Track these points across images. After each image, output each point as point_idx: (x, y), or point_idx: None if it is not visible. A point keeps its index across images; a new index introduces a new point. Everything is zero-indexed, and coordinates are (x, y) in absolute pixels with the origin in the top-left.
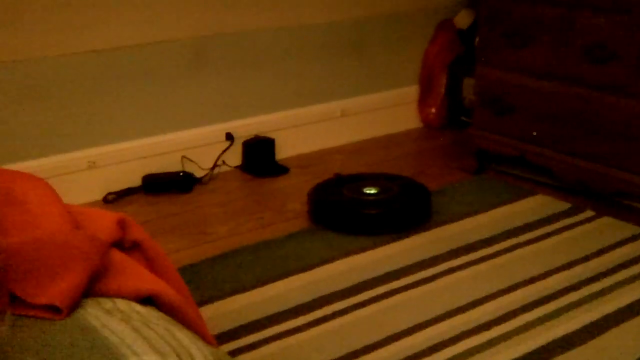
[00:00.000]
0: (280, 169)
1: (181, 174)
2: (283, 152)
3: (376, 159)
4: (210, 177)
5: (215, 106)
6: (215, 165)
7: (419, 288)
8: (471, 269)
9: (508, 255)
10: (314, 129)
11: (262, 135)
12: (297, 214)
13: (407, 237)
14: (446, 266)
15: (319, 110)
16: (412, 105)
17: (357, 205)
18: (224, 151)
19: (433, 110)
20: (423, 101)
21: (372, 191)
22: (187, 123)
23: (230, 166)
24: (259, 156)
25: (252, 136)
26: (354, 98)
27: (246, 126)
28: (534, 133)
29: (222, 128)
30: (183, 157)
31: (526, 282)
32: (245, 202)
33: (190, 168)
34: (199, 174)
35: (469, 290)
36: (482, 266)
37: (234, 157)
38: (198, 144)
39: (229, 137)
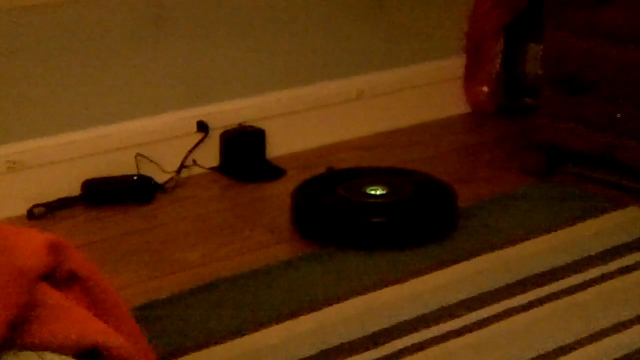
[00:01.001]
0: (272, 171)
1: (135, 178)
2: (276, 148)
3: (405, 158)
4: (177, 182)
5: (183, 85)
6: (182, 166)
7: (469, 335)
8: (539, 309)
9: (591, 291)
10: (320, 116)
11: (248, 125)
12: (293, 234)
13: (441, 262)
14: (505, 305)
15: (326, 91)
16: (454, 83)
17: (359, 211)
18: (195, 146)
19: (484, 89)
20: (470, 77)
21: (378, 191)
22: (144, 108)
23: (203, 167)
24: (244, 153)
25: (234, 126)
26: (374, 74)
27: (225, 113)
28: (618, 115)
29: (191, 115)
30: (138, 155)
31: (617, 328)
32: (224, 217)
33: (148, 170)
34: (160, 178)
35: (540, 337)
36: (556, 305)
37: (209, 155)
38: (159, 137)
39: (202, 127)
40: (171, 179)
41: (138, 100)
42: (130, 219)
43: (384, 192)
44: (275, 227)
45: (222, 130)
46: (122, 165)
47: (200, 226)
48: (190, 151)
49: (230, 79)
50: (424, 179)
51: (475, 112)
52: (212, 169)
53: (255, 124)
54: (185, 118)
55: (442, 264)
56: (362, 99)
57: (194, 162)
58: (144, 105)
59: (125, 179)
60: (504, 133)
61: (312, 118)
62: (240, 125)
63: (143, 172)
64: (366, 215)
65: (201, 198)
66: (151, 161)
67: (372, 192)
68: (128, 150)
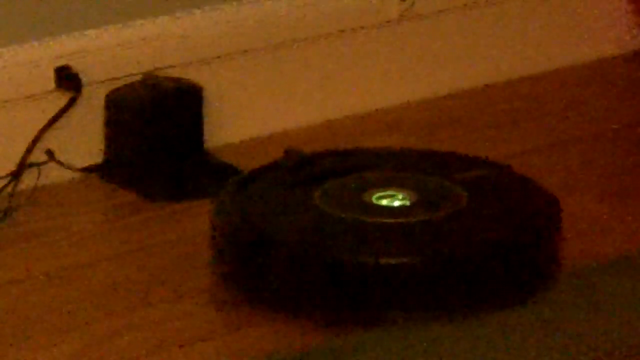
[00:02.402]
0: (216, 174)
1: None
2: (226, 128)
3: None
4: (10, 202)
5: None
6: (24, 166)
7: None
8: None
9: None
10: (318, 60)
11: (166, 77)
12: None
13: None
14: None
15: (335, 5)
16: None
17: (359, 243)
18: (52, 122)
19: None
20: None
21: (397, 200)
22: None
23: (70, 168)
24: (158, 137)
25: (136, 79)
26: None
27: (115, 49)
28: None
29: (44, 54)
30: None
31: None
32: (114, 279)
33: None
34: None
35: None
36: None
37: (82, 142)
38: None
39: (66, 78)
40: None
41: None
42: None
43: (407, 201)
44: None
45: (108, 88)
46: None
47: (61, 300)
48: (41, 132)
49: None
50: (496, 177)
51: None
52: (88, 170)
53: (182, 75)
54: (31, 61)
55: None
56: (408, 20)
57: (50, 155)
58: None
59: None
60: None
61: (302, 65)
62: (148, 75)
63: None
64: (375, 252)
65: (64, 237)
66: None
67: (385, 203)
68: None
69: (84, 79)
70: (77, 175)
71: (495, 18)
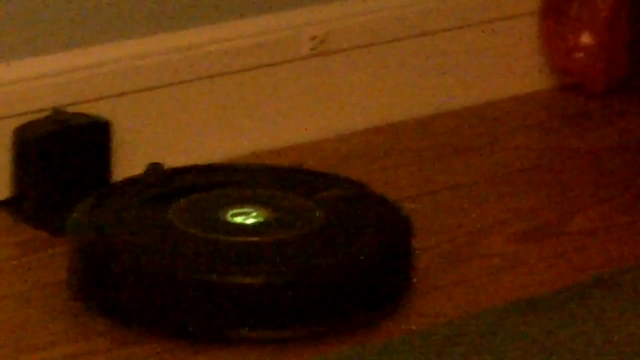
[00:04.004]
0: None
1: None
2: (135, 161)
3: (424, 178)
4: None
5: None
6: None
7: None
8: None
9: None
10: (233, 90)
11: (72, 112)
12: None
13: None
14: None
15: (249, 39)
16: (526, 25)
17: (214, 261)
18: None
19: (587, 40)
20: (559, 19)
21: (251, 218)
22: None
23: None
24: (64, 172)
25: (45, 113)
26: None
27: (26, 83)
28: None
29: None
30: None
31: None
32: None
33: None
34: None
35: None
36: None
37: None
38: None
39: None
40: None
41: None
42: None
43: (262, 219)
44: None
45: (15, 124)
46: None
47: None
48: None
49: (34, 16)
50: (354, 197)
51: (570, 88)
52: None
53: (89, 110)
54: None
55: None
56: (328, 55)
57: None
58: None
59: None
60: (629, 134)
61: (212, 101)
62: (56, 110)
63: None
64: (232, 270)
65: None
66: None
67: (240, 220)
68: None
69: None
70: None
71: (410, 54)
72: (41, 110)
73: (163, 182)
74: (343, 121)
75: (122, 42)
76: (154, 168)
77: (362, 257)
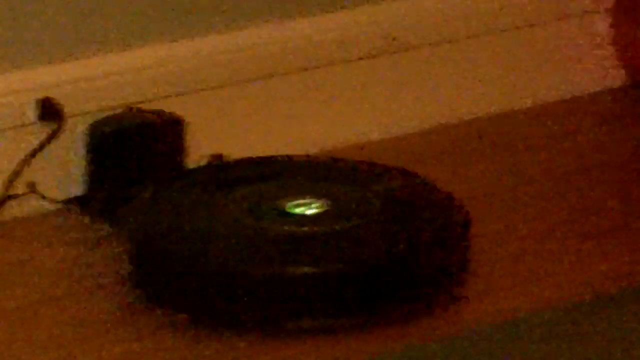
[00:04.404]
0: None
1: None
2: (208, 158)
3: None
4: None
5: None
6: (4, 198)
7: None
8: None
9: None
10: (304, 86)
11: (149, 110)
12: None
13: None
14: None
15: (321, 33)
16: (598, 22)
17: (270, 252)
18: (33, 154)
19: None
20: (632, 17)
21: (310, 209)
22: None
23: (50, 199)
24: (140, 169)
25: (118, 111)
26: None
27: (99, 81)
28: None
29: (25, 87)
30: None
31: None
32: (80, 309)
33: None
34: None
35: None
36: None
37: (64, 174)
38: None
39: (48, 111)
40: None
41: None
42: None
43: (321, 209)
44: None
45: (90, 120)
46: None
47: (24, 338)
48: (23, 164)
49: (110, 12)
50: (411, 189)
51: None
52: (69, 202)
53: (165, 107)
54: (11, 93)
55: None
56: (396, 52)
57: (31, 187)
58: None
59: None
60: None
61: (291, 94)
62: (131, 107)
63: None
64: (289, 260)
65: (38, 270)
66: None
67: (299, 210)
68: None
69: (66, 111)
70: (57, 207)
71: (483, 51)
72: (116, 106)
73: (222, 173)
74: (416, 118)
75: (197, 40)
76: (214, 159)
77: (417, 248)
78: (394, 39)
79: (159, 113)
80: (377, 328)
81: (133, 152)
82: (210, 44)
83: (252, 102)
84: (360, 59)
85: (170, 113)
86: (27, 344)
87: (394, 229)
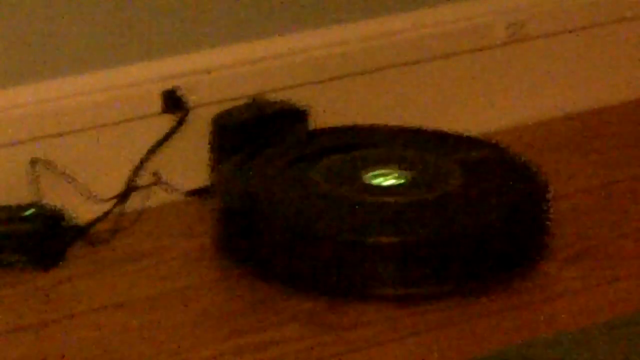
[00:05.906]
0: None
1: (29, 213)
2: None
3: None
4: (118, 223)
5: (136, 23)
6: (130, 188)
7: None
8: None
9: None
10: (430, 77)
11: (272, 100)
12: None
13: None
14: None
15: (438, 25)
16: None
17: (346, 225)
18: (158, 145)
19: None
20: None
21: (389, 180)
22: (50, 67)
23: (176, 189)
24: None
25: (242, 102)
26: None
27: (221, 73)
28: None
29: (150, 77)
30: (33, 161)
31: None
32: (212, 299)
33: (54, 196)
34: (82, 213)
35: None
36: None
37: (188, 164)
38: (78, 123)
39: (173, 102)
40: (106, 214)
41: (40, 53)
42: (20, 303)
43: (401, 179)
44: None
45: (215, 111)
46: (7, 181)
47: (155, 327)
48: (149, 154)
49: (234, 4)
50: (493, 159)
51: None
52: (194, 193)
53: (290, 97)
54: (137, 84)
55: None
56: (518, 41)
57: (157, 177)
58: (58, 61)
59: (7, 217)
60: None
61: (411, 88)
62: (255, 97)
63: (49, 197)
64: (370, 229)
65: (167, 260)
66: (64, 174)
67: (380, 181)
68: (15, 150)
69: (191, 101)
70: (183, 197)
71: (606, 41)
72: (240, 97)
73: (306, 143)
74: (538, 108)
75: (322, 30)
76: (298, 129)
77: (497, 219)
78: (520, 27)
79: (284, 103)
80: (457, 298)
81: (258, 143)
82: (336, 34)
83: (376, 92)
84: (484, 48)
85: (294, 104)
86: (157, 332)
87: (474, 200)
